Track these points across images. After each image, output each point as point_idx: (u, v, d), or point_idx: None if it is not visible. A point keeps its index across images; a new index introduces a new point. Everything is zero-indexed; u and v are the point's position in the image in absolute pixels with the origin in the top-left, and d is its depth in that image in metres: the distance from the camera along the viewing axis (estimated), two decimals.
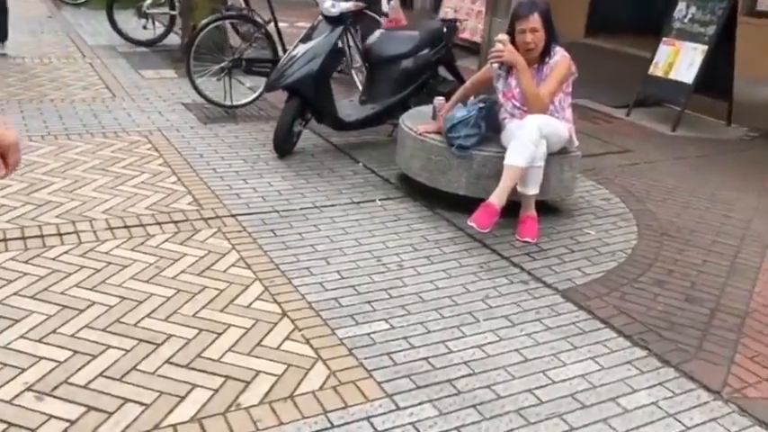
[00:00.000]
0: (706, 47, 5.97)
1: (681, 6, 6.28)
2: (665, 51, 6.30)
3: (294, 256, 3.32)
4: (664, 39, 6.34)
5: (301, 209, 3.89)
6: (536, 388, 2.48)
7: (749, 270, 3.50)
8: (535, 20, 3.63)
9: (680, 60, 6.16)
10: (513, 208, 3.70)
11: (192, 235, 3.47)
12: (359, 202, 4.06)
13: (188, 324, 2.71)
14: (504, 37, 3.62)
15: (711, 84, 6.05)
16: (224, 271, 3.14)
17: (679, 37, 6.22)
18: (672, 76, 6.20)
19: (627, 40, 8.91)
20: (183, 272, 3.11)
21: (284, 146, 4.65)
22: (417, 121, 4.26)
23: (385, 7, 5.06)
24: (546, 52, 3.70)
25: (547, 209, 4.01)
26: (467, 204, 3.79)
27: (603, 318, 2.97)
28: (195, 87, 5.51)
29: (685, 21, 6.19)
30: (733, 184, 4.76)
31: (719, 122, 6.34)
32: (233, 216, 3.71)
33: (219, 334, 2.66)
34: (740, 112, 6.29)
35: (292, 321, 2.76)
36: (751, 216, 4.22)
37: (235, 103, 5.59)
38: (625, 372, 2.61)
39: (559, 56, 3.69)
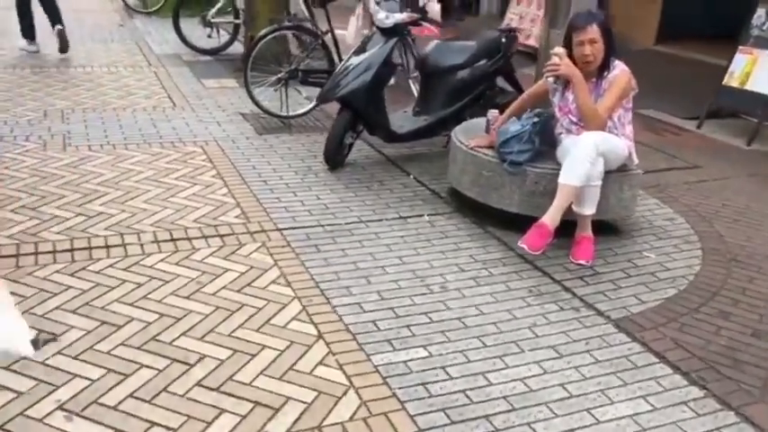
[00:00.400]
0: None
1: (760, 13, 5.91)
2: (741, 60, 5.94)
3: (335, 273, 3.25)
4: (740, 47, 5.98)
5: (347, 223, 3.82)
6: (579, 428, 2.33)
7: None
8: (594, 31, 3.45)
9: (758, 70, 5.79)
10: (568, 227, 3.53)
11: (237, 249, 3.45)
12: (406, 217, 3.96)
13: (223, 344, 2.67)
14: (560, 50, 3.46)
15: None
16: (264, 288, 3.10)
17: (757, 45, 5.85)
18: (749, 86, 5.83)
19: (700, 47, 8.50)
20: (223, 288, 3.08)
21: (335, 158, 4.60)
22: (470, 134, 4.14)
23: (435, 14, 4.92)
24: (605, 66, 3.51)
25: (605, 229, 3.81)
26: (519, 222, 3.65)
27: (659, 351, 2.77)
28: (252, 98, 5.54)
29: (764, 28, 5.82)
30: None
31: None
32: (278, 230, 3.68)
33: (253, 356, 2.61)
34: None
35: (327, 345, 2.69)
36: None
37: (291, 113, 5.59)
38: (679, 414, 2.42)
39: (619, 70, 3.49)
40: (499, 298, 3.14)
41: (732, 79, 5.98)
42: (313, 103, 5.62)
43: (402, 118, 4.95)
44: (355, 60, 4.56)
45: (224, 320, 2.83)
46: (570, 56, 3.49)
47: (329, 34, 5.65)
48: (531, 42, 8.55)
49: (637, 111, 3.67)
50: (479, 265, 3.44)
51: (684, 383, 2.59)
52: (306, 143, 5.16)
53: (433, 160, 4.91)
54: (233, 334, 2.74)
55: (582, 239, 3.55)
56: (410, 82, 5.96)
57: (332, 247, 3.52)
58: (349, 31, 6.19)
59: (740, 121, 6.22)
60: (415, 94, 5.80)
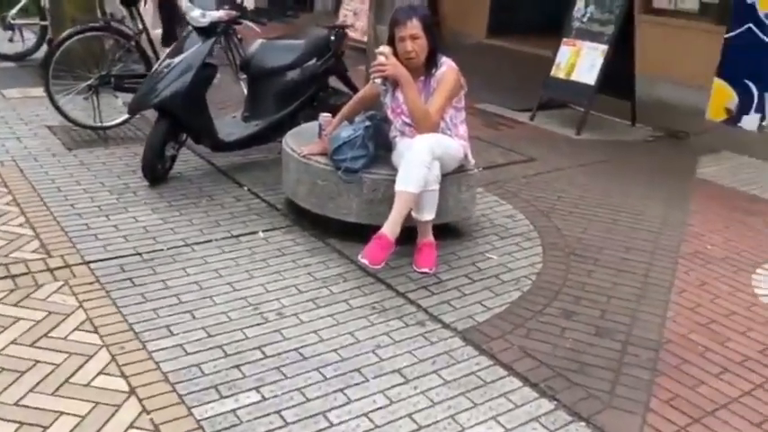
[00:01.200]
0: (606, 46, 5.81)
1: (579, 5, 6.10)
2: (566, 52, 6.11)
3: (153, 311, 2.84)
4: (564, 39, 6.15)
5: (169, 248, 3.41)
6: None
7: (661, 292, 3.26)
8: (415, 26, 3.27)
9: (581, 61, 5.98)
10: (410, 233, 3.34)
11: (32, 292, 2.93)
12: (238, 236, 3.61)
13: (6, 416, 2.20)
14: (385, 49, 3.26)
15: (614, 84, 5.91)
16: (64, 338, 2.63)
17: (579, 37, 6.04)
18: (574, 77, 6.01)
19: (529, 40, 8.76)
20: (12, 343, 2.58)
21: (155, 173, 4.14)
22: (302, 141, 3.85)
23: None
24: (432, 63, 3.35)
25: (446, 232, 3.67)
26: (360, 231, 3.43)
27: (507, 363, 2.64)
28: (57, 108, 4.90)
29: (584, 20, 6.02)
30: (639, 192, 4.57)
31: (624, 123, 6.21)
32: (86, 264, 3.19)
33: (45, 428, 2.16)
34: (643, 112, 6.18)
35: (140, 401, 2.29)
36: (659, 227, 4.02)
37: (105, 123, 5.02)
38: None
39: (446, 67, 3.34)
40: (340, 319, 2.89)
41: (559, 70, 6.14)
42: None
43: (230, 124, 4.57)
44: (171, 62, 4.11)
45: (10, 385, 2.35)
46: (396, 54, 3.30)
47: (144, 35, 5.12)
48: (359, 36, 8.42)
49: (473, 105, 3.57)
50: (319, 284, 3.17)
51: (534, 396, 2.47)
52: (124, 157, 4.63)
53: (269, 168, 4.57)
54: (21, 402, 2.27)
55: (423, 246, 3.38)
56: (241, 84, 5.56)
57: (151, 279, 3.10)
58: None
59: (569, 110, 6.43)
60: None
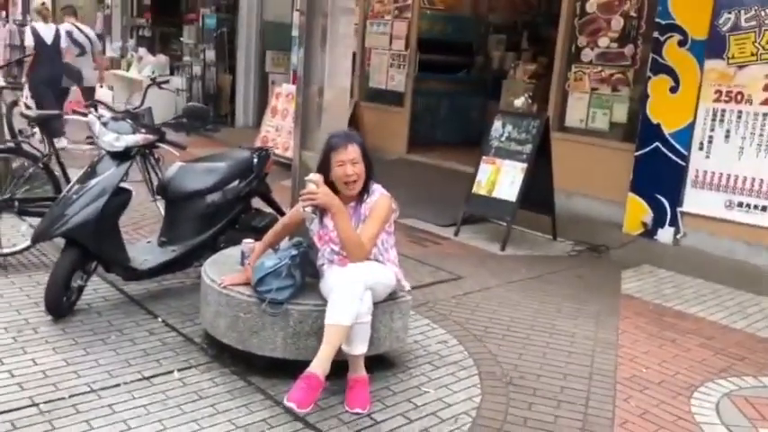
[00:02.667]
0: (525, 164, 5.96)
1: (497, 125, 6.29)
2: (486, 170, 6.22)
3: None
4: (483, 157, 6.27)
5: (71, 396, 3.04)
6: None
7: (604, 425, 3.12)
8: (355, 150, 3.21)
9: (502, 178, 6.09)
10: (339, 366, 3.11)
11: None
12: (151, 377, 3.27)
13: None
14: (315, 177, 3.15)
15: (535, 199, 6.03)
16: None
17: (498, 155, 6.18)
18: (495, 194, 6.10)
19: (449, 154, 8.99)
20: None
21: (59, 306, 3.79)
22: (223, 269, 3.62)
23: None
24: (364, 190, 3.26)
25: (378, 362, 3.46)
26: (286, 367, 3.20)
27: None
28: None
29: (503, 139, 6.18)
30: (569, 311, 4.53)
31: (546, 237, 6.29)
32: None
33: None
34: (563, 226, 6.30)
35: None
36: (591, 349, 3.95)
37: (6, 250, 4.64)
38: None
39: (378, 194, 3.26)
40: None
41: (480, 188, 6.22)
42: None
43: (145, 250, 4.30)
44: (81, 187, 3.86)
45: None
46: (327, 181, 3.20)
47: (54, 157, 4.85)
48: (290, 154, 8.39)
49: (397, 220, 3.45)
50: None
51: None
52: (26, 287, 4.25)
53: (186, 296, 4.29)
54: None
55: (355, 383, 3.15)
56: (157, 205, 5.32)
57: None
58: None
59: (492, 225, 6.48)
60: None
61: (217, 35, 11.51)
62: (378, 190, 3.29)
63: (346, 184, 3.21)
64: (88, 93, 8.52)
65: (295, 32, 10.37)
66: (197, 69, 11.80)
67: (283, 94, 9.22)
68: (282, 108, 9.13)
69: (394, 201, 3.33)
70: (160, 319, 3.94)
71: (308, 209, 3.18)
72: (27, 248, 4.72)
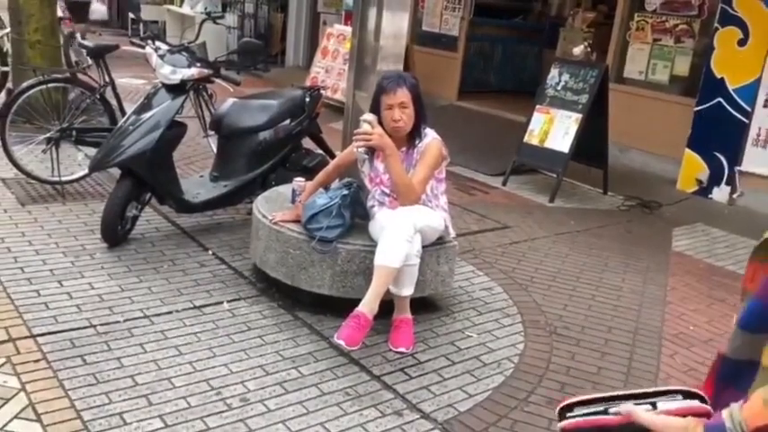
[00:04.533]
0: (580, 115, 5.81)
1: (553, 73, 6.13)
2: (539, 119, 6.10)
3: (106, 395, 2.58)
4: (537, 106, 6.14)
5: (126, 320, 3.15)
6: None
7: (647, 378, 3.11)
8: (404, 94, 3.15)
9: (555, 129, 5.96)
10: (385, 307, 3.14)
11: None
12: (201, 307, 3.37)
13: None
14: (371, 117, 3.12)
15: (587, 151, 5.90)
16: (1, 428, 2.35)
17: (553, 105, 6.04)
18: (547, 144, 5.98)
19: (500, 102, 8.82)
20: None
21: (114, 235, 3.90)
22: (274, 206, 3.67)
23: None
24: (416, 133, 3.23)
25: (423, 305, 3.50)
26: (333, 304, 3.25)
27: None
28: (12, 160, 4.65)
29: (558, 88, 6.02)
30: (616, 265, 4.47)
31: (597, 191, 6.18)
32: (32, 337, 2.92)
33: None
34: (615, 180, 6.17)
35: None
36: (639, 303, 3.91)
37: (65, 178, 4.75)
38: None
39: (431, 138, 3.22)
40: (310, 407, 2.66)
41: (532, 137, 6.10)
42: None
43: (198, 184, 4.37)
44: (138, 119, 3.92)
45: None
46: (380, 121, 3.17)
47: (109, 87, 4.92)
48: (339, 96, 8.36)
49: (446, 168, 3.42)
50: (288, 364, 2.94)
51: None
52: (82, 214, 4.38)
53: (237, 231, 4.37)
54: None
55: (401, 323, 3.19)
56: (209, 140, 5.38)
57: (104, 357, 2.84)
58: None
59: (542, 176, 6.39)
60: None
61: None
62: (430, 134, 3.25)
63: (393, 127, 3.17)
64: (79, 8, 8.23)
65: None
66: (249, 7, 11.72)
67: (335, 35, 9.11)
68: (333, 49, 9.04)
69: (445, 147, 3.29)
70: (211, 252, 4.03)
71: (361, 149, 3.17)
72: (84, 177, 4.84)
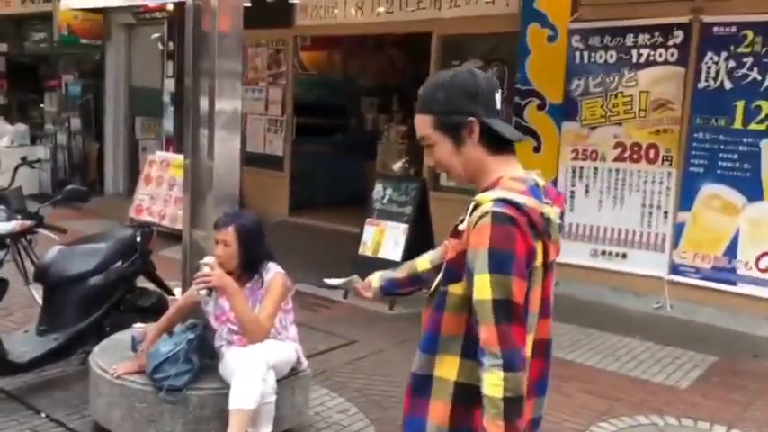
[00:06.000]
0: (407, 225, 6.19)
1: (378, 188, 6.51)
2: (370, 231, 6.40)
3: None
4: (368, 219, 6.46)
5: None
6: None
7: None
8: (227, 233, 3.22)
9: (386, 239, 6.29)
10: None
11: None
12: None
13: None
14: (210, 260, 3.16)
15: (418, 256, 6.23)
16: None
17: (381, 217, 6.39)
18: (381, 254, 6.27)
19: (330, 215, 9.12)
20: None
21: None
22: (113, 358, 3.50)
23: None
24: (251, 269, 3.28)
25: None
26: None
27: None
28: None
29: (384, 202, 6.40)
30: None
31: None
32: None
33: None
34: None
35: None
36: None
37: None
38: None
39: (273, 272, 3.30)
40: None
41: (366, 249, 6.38)
42: None
43: (23, 341, 4.05)
44: None
45: None
46: None
47: None
48: (167, 223, 8.22)
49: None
50: None
51: None
52: None
53: (71, 385, 4.07)
54: None
55: None
56: (30, 289, 5.02)
57: None
58: None
59: None
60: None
61: (82, 102, 11.12)
62: (273, 269, 3.33)
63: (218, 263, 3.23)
64: None
65: (166, 98, 10.27)
66: (61, 138, 11.30)
67: (158, 162, 9.02)
68: (157, 175, 8.92)
69: (289, 279, 3.38)
70: (44, 414, 3.71)
71: (203, 292, 3.17)
72: None
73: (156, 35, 10.34)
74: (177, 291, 4.67)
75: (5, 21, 12.92)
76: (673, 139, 5.90)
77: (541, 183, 1.73)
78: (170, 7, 9.08)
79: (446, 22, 7.39)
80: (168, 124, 10.24)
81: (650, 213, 6.07)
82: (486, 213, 1.59)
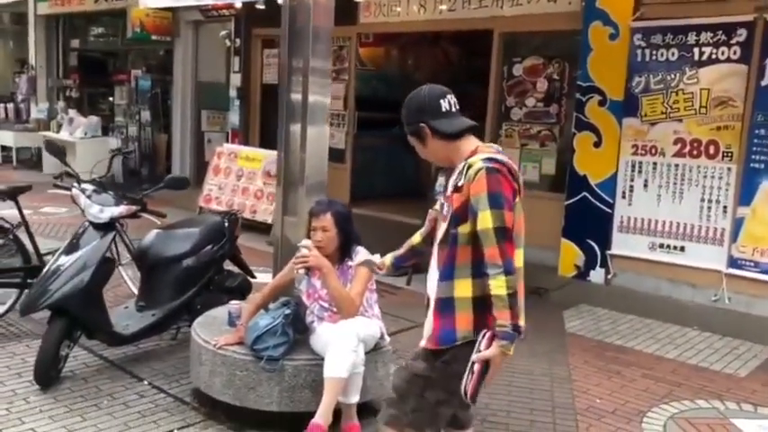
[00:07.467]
0: None
1: (440, 180, 6.71)
2: None
3: None
4: (430, 211, 6.69)
5: None
6: None
7: None
8: (327, 219, 3.53)
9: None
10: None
11: None
12: None
13: None
14: (308, 242, 3.47)
15: None
16: None
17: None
18: None
19: (387, 206, 9.41)
20: None
21: (49, 376, 3.89)
22: (212, 330, 3.84)
23: None
24: (345, 252, 3.59)
25: (363, 410, 3.73)
26: (279, 419, 3.44)
27: None
28: None
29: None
30: (523, 351, 4.93)
31: None
32: None
33: None
34: None
35: None
36: (550, 385, 4.37)
37: None
38: None
39: (362, 255, 3.61)
40: None
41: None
42: (6, 307, 4.80)
43: (125, 316, 4.45)
44: (66, 260, 4.01)
45: None
46: None
47: (23, 227, 4.94)
48: (258, 218, 8.54)
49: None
50: None
51: None
52: (3, 358, 4.31)
53: (165, 357, 4.46)
54: None
55: (350, 430, 3.43)
56: (122, 272, 5.44)
57: None
58: None
59: None
60: (129, 285, 5.34)
61: (151, 95, 11.66)
62: (361, 251, 3.63)
63: (316, 247, 3.52)
64: None
65: (232, 92, 10.70)
66: (132, 130, 11.87)
67: (225, 153, 9.43)
68: (225, 166, 9.33)
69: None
70: (146, 382, 4.09)
71: (302, 271, 3.49)
72: None
73: (224, 32, 10.77)
74: (261, 276, 5.04)
75: (78, 18, 13.57)
76: (733, 136, 6.00)
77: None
78: (238, 5, 9.46)
79: (507, 19, 7.58)
80: (234, 117, 10.67)
81: (709, 208, 6.18)
82: (481, 169, 2.32)
